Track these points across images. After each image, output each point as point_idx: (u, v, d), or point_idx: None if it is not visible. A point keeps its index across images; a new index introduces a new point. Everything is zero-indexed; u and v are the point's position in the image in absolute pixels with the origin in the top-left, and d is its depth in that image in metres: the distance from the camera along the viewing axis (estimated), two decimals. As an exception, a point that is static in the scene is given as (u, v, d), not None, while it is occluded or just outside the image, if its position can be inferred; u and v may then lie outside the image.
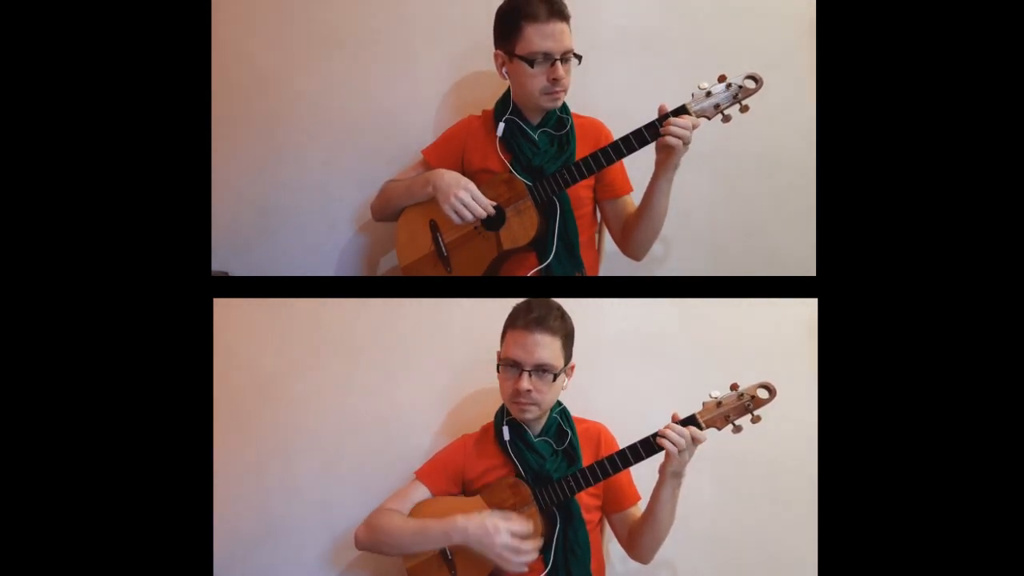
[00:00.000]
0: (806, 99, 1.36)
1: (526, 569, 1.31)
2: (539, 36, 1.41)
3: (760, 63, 1.37)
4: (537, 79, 1.43)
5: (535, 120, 1.50)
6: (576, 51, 1.45)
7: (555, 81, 1.43)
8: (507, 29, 1.45)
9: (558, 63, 1.42)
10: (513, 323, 1.39)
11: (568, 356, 1.40)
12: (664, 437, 1.27)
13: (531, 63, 1.42)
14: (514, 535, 1.30)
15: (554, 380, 1.36)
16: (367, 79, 1.74)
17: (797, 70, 1.52)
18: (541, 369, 1.35)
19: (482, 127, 1.55)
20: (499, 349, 1.43)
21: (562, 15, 1.43)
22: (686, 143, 1.34)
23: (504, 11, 1.47)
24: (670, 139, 1.34)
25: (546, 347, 1.35)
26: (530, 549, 1.31)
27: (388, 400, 1.65)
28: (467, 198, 1.43)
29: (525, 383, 1.35)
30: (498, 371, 1.40)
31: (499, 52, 1.48)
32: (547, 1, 1.42)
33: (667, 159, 1.37)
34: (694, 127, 1.34)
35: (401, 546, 1.38)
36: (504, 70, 1.48)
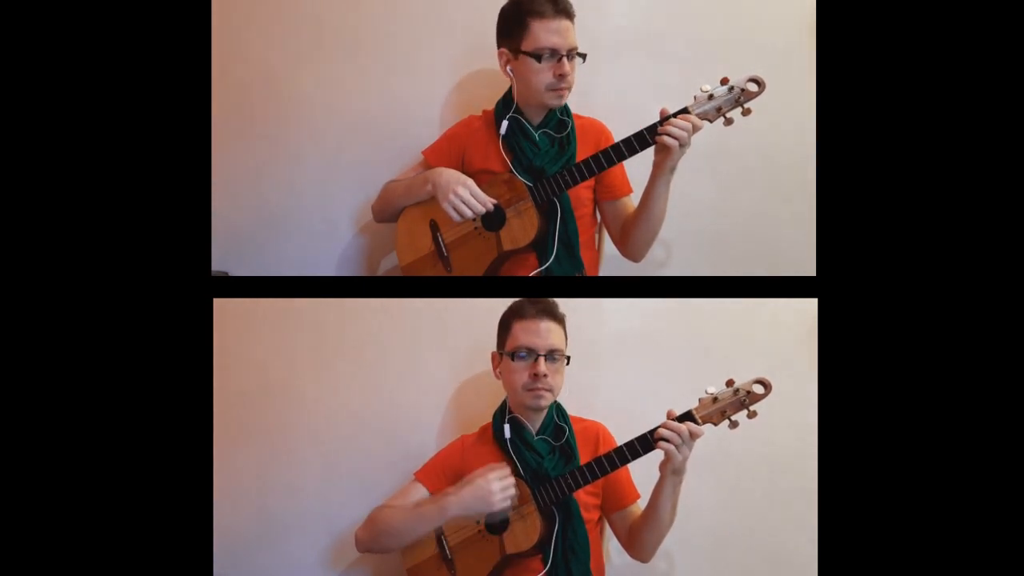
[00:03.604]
0: (806, 99, 1.36)
1: (514, 502, 1.34)
2: (545, 32, 1.42)
3: (760, 64, 1.37)
4: (543, 75, 1.44)
5: (536, 120, 1.50)
6: (579, 50, 1.45)
7: (561, 77, 1.43)
8: (513, 26, 1.45)
9: (564, 59, 1.43)
10: (521, 315, 1.41)
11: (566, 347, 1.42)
12: (660, 437, 1.27)
13: (538, 58, 1.42)
14: (501, 478, 1.33)
15: (566, 365, 1.40)
16: (368, 79, 1.74)
17: (797, 70, 1.52)
18: (554, 354, 1.38)
19: (483, 127, 1.55)
20: (498, 348, 1.44)
21: (567, 13, 1.44)
22: (683, 144, 1.34)
23: (509, 9, 1.48)
24: (667, 139, 1.34)
25: (555, 333, 1.40)
26: (513, 483, 1.34)
27: (388, 400, 1.65)
28: (466, 195, 1.44)
29: (543, 367, 1.37)
30: (511, 360, 1.40)
31: (504, 50, 1.48)
32: None
33: (664, 160, 1.37)
34: (695, 129, 1.34)
35: (400, 532, 1.38)
36: (508, 68, 1.48)
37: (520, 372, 1.39)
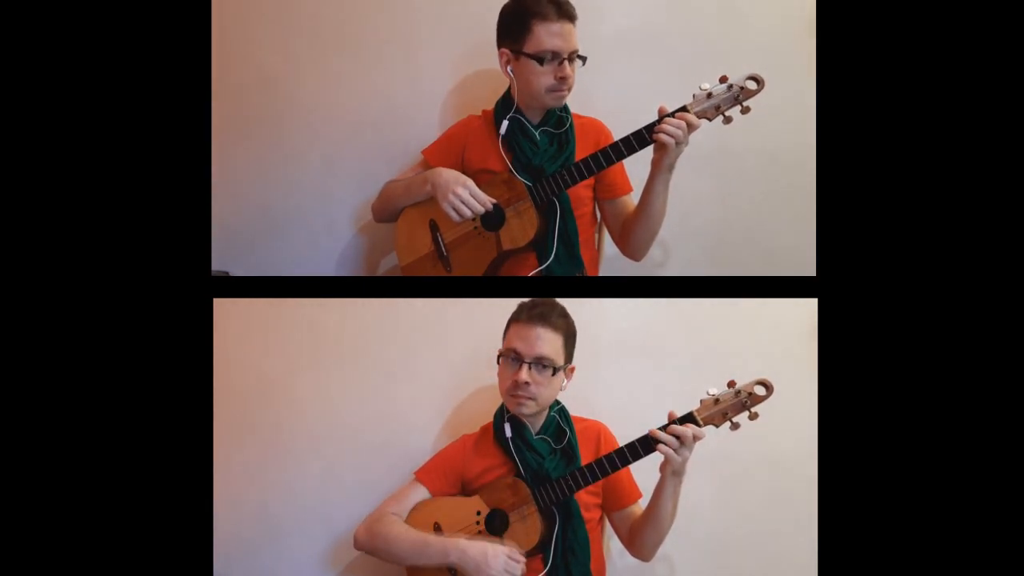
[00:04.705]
0: (806, 99, 1.36)
1: None
2: (548, 35, 1.42)
3: (760, 63, 1.37)
4: (545, 77, 1.44)
5: (536, 119, 1.51)
6: (579, 52, 1.45)
7: (562, 80, 1.44)
8: (515, 28, 1.45)
9: (566, 62, 1.43)
10: (517, 317, 1.40)
11: (569, 356, 1.40)
12: (658, 440, 1.27)
13: (540, 61, 1.42)
14: (510, 558, 1.31)
15: (553, 375, 1.37)
16: (368, 79, 1.74)
17: (797, 70, 1.52)
18: (541, 363, 1.36)
19: (482, 127, 1.55)
20: (500, 346, 1.44)
21: (570, 16, 1.44)
22: (679, 143, 1.34)
23: (511, 9, 1.47)
24: (663, 137, 1.34)
25: (548, 342, 1.36)
26: (521, 571, 1.32)
27: (388, 400, 1.64)
28: (465, 195, 1.44)
29: (524, 375, 1.35)
30: (498, 364, 1.41)
31: (505, 50, 1.48)
32: (556, 1, 1.42)
33: (662, 158, 1.37)
34: (692, 127, 1.34)
35: (399, 557, 1.38)
36: (509, 68, 1.48)
37: (505, 376, 1.39)
